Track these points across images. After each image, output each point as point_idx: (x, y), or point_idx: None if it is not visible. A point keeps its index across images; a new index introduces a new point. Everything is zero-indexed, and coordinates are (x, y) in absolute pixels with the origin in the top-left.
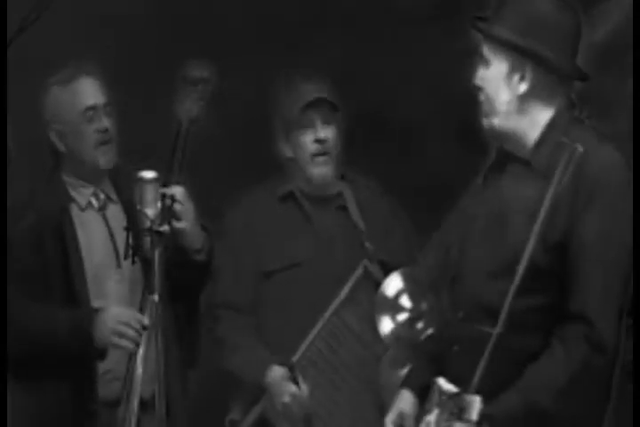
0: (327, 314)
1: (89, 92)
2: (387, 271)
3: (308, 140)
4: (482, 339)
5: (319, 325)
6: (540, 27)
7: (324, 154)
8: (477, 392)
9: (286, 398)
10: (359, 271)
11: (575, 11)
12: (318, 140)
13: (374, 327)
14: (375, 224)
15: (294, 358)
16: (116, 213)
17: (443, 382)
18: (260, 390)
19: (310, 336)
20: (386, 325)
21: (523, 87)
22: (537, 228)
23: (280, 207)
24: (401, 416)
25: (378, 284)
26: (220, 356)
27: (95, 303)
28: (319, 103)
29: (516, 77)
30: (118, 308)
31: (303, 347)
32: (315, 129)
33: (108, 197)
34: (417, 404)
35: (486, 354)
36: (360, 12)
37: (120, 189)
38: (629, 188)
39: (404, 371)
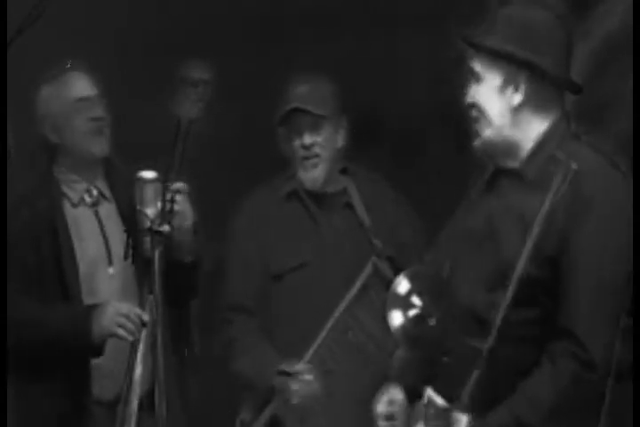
0: (338, 312)
1: (79, 84)
2: (396, 267)
3: (296, 144)
4: (472, 353)
5: (330, 323)
6: (533, 37)
7: (312, 158)
8: (467, 406)
9: (295, 400)
10: (368, 268)
11: (567, 22)
12: (304, 146)
13: (385, 325)
14: (381, 220)
15: (306, 357)
16: (109, 210)
17: (433, 394)
18: (271, 391)
19: (322, 334)
20: (396, 319)
21: (516, 99)
22: (530, 241)
23: (285, 207)
24: (391, 404)
25: (388, 280)
26: (231, 358)
27: (86, 300)
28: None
29: (510, 89)
30: (117, 302)
31: (315, 345)
32: (301, 134)
33: (102, 195)
34: (405, 397)
35: (476, 373)
36: (361, 12)
37: (115, 188)
38: (624, 206)
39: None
